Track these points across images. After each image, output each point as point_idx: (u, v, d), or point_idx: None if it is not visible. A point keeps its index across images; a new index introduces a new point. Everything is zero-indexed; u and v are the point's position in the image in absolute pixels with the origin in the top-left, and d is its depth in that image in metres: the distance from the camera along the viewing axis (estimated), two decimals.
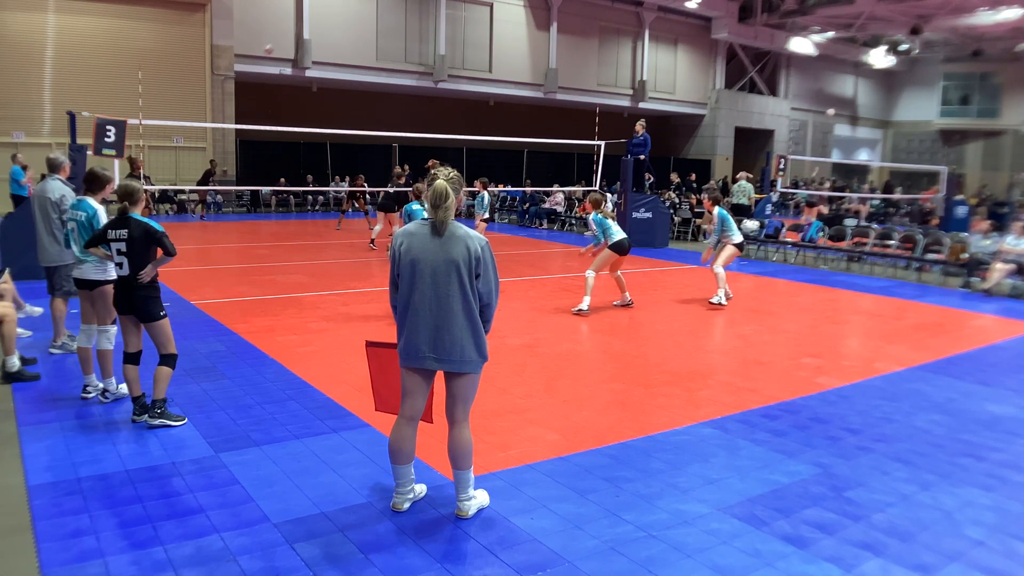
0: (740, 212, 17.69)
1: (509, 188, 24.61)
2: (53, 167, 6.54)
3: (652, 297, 10.25)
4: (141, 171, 13.73)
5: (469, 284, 3.53)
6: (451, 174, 3.61)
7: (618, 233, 9.05)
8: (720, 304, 9.45)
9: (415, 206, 8.74)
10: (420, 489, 3.90)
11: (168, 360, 4.84)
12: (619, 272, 9.36)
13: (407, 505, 3.76)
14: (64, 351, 6.45)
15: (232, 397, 5.42)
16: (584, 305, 8.89)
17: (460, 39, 26.27)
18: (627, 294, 9.41)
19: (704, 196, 9.64)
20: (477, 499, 3.77)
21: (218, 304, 8.76)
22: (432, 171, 3.65)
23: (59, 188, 6.40)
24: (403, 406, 3.69)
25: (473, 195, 12.88)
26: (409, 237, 3.57)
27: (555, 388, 5.92)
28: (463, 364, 3.57)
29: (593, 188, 19.22)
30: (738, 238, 9.79)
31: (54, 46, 19.48)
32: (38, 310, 7.28)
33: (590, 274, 9.02)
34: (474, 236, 3.56)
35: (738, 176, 19.77)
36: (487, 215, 12.68)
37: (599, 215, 9.11)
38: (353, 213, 19.78)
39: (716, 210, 9.78)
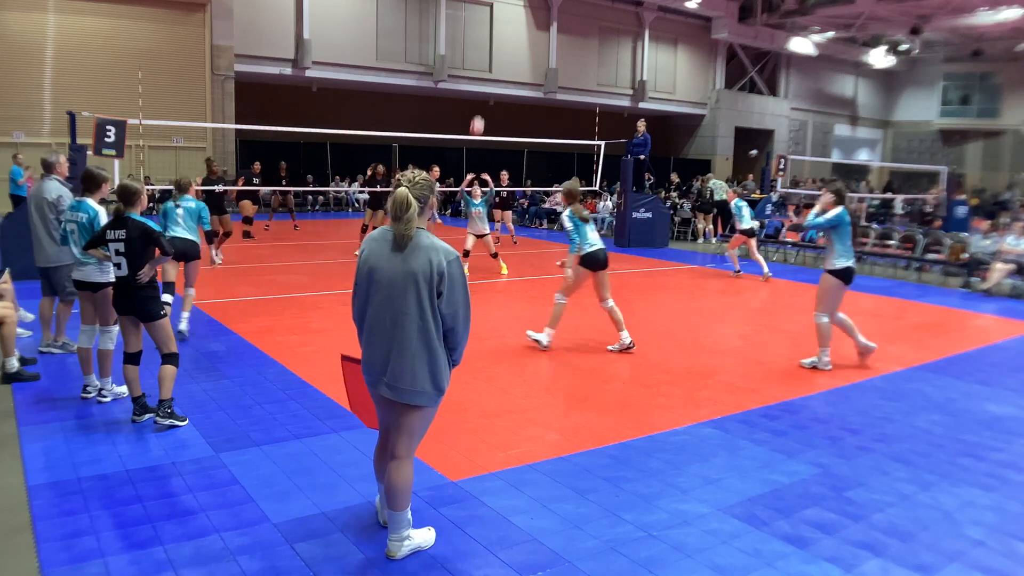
0: (722, 208, 18.08)
1: (509, 188, 24.58)
2: (48, 167, 6.52)
3: (652, 297, 10.25)
4: (216, 175, 13.47)
5: (429, 303, 3.09)
6: (416, 178, 3.17)
7: (596, 242, 6.94)
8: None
9: (170, 204, 7.30)
10: None
11: (171, 359, 4.84)
12: (609, 301, 7.03)
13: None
14: (65, 351, 6.45)
15: (232, 397, 5.42)
16: (544, 338, 7.01)
17: (460, 39, 26.26)
18: (625, 333, 7.06)
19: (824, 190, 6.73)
20: (413, 539, 3.34)
21: (218, 304, 8.76)
22: (397, 176, 3.21)
23: (56, 188, 6.39)
24: (380, 426, 3.48)
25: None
26: (371, 244, 3.21)
27: (555, 388, 5.92)
28: (413, 395, 3.15)
29: (593, 186, 19.22)
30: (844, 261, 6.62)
31: (54, 46, 19.46)
32: (30, 316, 7.26)
33: (559, 298, 7.03)
34: (441, 248, 3.11)
35: (708, 176, 20.31)
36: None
37: (572, 212, 6.97)
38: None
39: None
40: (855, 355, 7.02)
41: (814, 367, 6.74)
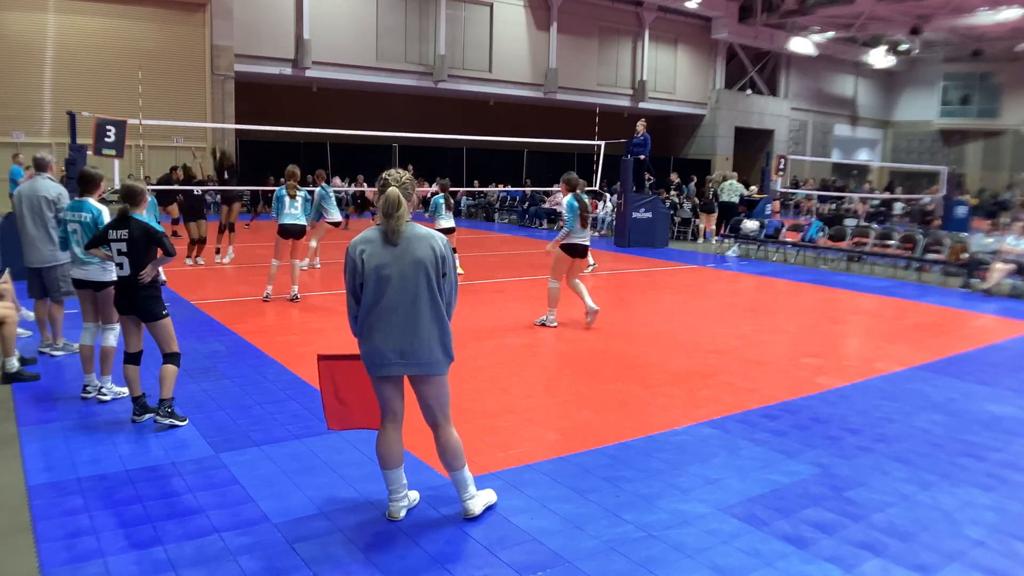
0: (729, 210, 18.13)
1: (509, 188, 24.61)
2: (42, 166, 6.51)
3: (652, 297, 10.25)
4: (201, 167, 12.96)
5: (437, 284, 3.46)
6: (403, 178, 3.49)
7: (293, 219, 9.09)
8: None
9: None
10: (414, 496, 3.83)
11: (172, 359, 4.84)
12: (294, 262, 9.30)
13: (403, 513, 3.69)
14: (67, 351, 6.45)
15: (232, 397, 5.43)
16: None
17: (460, 39, 26.27)
18: (271, 288, 9.18)
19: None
20: (482, 497, 3.73)
21: (218, 304, 8.76)
22: (383, 176, 3.51)
23: (54, 187, 6.38)
24: (384, 413, 3.63)
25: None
26: (368, 244, 3.45)
27: (555, 388, 5.92)
28: (430, 366, 3.49)
29: (594, 187, 19.21)
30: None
31: (54, 46, 19.48)
32: (31, 314, 7.25)
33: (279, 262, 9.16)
34: (435, 235, 3.50)
35: (728, 175, 20.13)
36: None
37: (286, 188, 9.19)
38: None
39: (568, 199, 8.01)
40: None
41: (543, 324, 8.04)
